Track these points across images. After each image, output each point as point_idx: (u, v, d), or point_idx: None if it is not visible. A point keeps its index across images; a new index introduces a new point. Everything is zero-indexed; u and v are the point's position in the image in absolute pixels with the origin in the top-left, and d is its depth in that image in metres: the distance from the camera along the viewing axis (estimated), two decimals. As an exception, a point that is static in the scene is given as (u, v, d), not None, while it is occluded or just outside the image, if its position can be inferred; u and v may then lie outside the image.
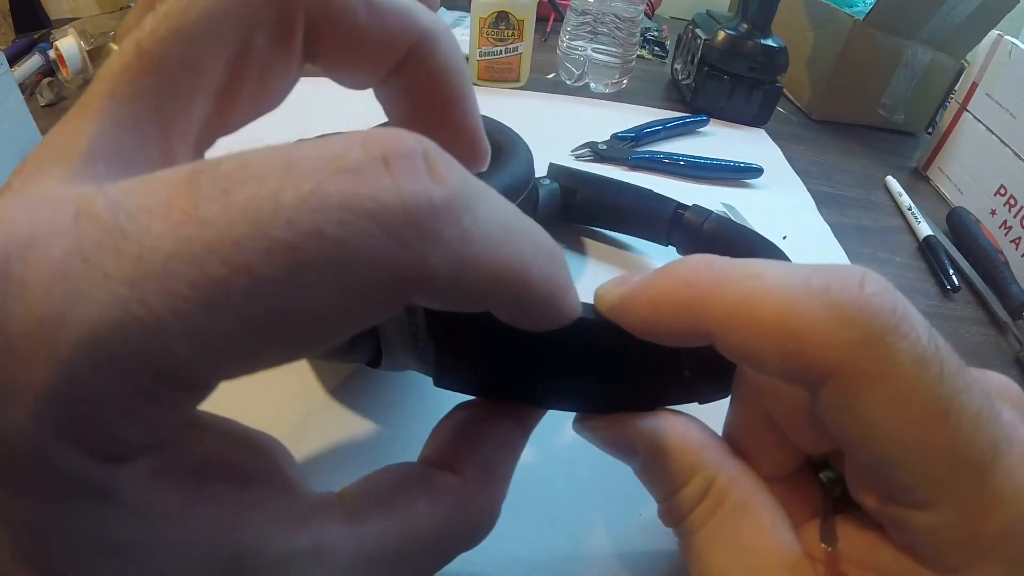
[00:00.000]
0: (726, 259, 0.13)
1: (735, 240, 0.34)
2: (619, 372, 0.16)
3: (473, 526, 0.14)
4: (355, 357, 0.19)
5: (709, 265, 0.13)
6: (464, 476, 0.14)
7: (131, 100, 0.11)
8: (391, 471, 0.14)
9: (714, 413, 0.18)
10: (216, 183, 0.08)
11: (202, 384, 0.09)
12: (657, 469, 0.16)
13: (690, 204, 0.35)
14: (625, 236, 0.39)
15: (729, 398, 0.18)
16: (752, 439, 0.17)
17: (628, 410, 0.17)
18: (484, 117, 0.29)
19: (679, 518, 0.16)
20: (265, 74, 0.13)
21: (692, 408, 0.17)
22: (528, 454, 0.25)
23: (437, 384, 0.16)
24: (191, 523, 0.10)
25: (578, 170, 0.38)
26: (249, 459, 0.12)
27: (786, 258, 0.31)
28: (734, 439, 0.17)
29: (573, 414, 0.18)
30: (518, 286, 0.10)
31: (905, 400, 0.11)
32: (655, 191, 0.37)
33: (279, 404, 0.25)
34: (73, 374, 0.07)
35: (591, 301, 0.15)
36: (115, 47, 0.15)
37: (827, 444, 0.15)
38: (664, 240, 0.37)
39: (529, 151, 0.30)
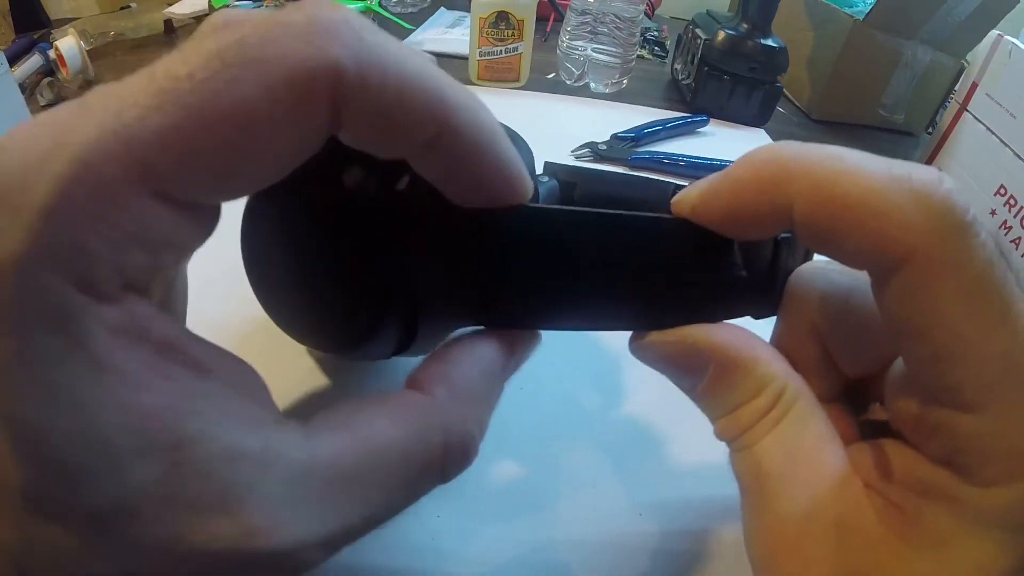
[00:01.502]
0: (803, 143, 0.14)
1: None
2: (663, 275, 0.15)
3: (442, 446, 0.14)
4: (380, 349, 0.18)
5: (788, 144, 0.14)
6: (431, 394, 0.14)
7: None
8: (357, 397, 0.14)
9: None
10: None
11: (168, 193, 0.10)
12: (726, 383, 0.16)
13: (687, 183, 0.35)
14: None
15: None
16: (797, 359, 0.16)
17: (650, 326, 0.16)
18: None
19: (740, 430, 0.16)
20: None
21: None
22: (528, 454, 0.26)
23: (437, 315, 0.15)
24: (142, 395, 0.10)
25: (573, 166, 0.38)
26: (215, 360, 0.12)
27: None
28: None
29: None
30: (437, 106, 0.11)
31: (973, 294, 0.12)
32: (651, 177, 0.37)
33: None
34: (64, 187, 0.09)
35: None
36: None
37: (870, 364, 0.16)
38: None
39: (529, 150, 0.30)
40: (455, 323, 0.16)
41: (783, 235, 0.17)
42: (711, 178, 0.14)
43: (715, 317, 0.16)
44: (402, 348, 0.17)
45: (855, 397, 0.17)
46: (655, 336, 0.16)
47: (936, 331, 0.12)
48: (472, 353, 0.15)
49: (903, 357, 0.14)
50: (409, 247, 0.15)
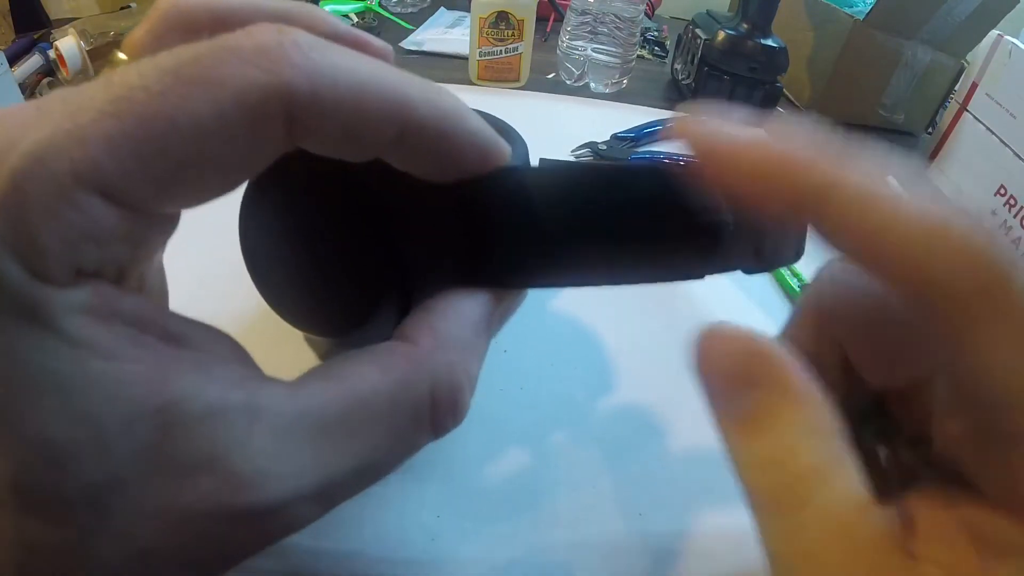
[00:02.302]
0: (839, 152, 0.12)
1: None
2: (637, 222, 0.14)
3: (429, 394, 0.13)
4: (378, 330, 0.18)
5: (825, 153, 0.12)
6: (417, 343, 0.14)
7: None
8: (344, 352, 0.14)
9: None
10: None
11: (115, 195, 0.10)
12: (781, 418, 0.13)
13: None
14: None
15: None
16: (813, 363, 0.14)
17: (635, 280, 0.15)
18: (479, 112, 0.29)
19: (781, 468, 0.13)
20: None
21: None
22: (528, 454, 0.26)
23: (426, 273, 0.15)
24: (122, 365, 0.10)
25: (569, 160, 0.38)
26: (190, 331, 0.12)
27: None
28: None
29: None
30: (394, 107, 0.12)
31: (1016, 344, 0.11)
32: (644, 159, 0.36)
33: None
34: (17, 181, 0.09)
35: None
36: (122, 56, 0.15)
37: (894, 376, 0.15)
38: None
39: (524, 144, 0.30)
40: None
41: None
42: (727, 138, 0.13)
43: (704, 269, 0.16)
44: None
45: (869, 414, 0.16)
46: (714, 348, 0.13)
47: (988, 380, 0.11)
48: (457, 304, 0.15)
49: (945, 388, 0.13)
50: (397, 223, 0.15)
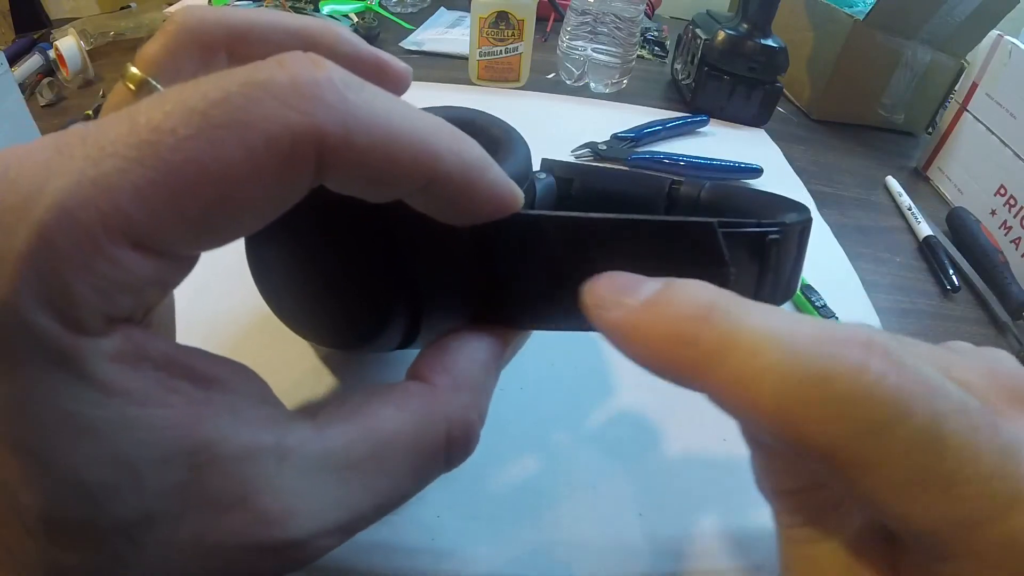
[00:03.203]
0: (725, 313, 0.12)
1: (734, 203, 0.33)
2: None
3: (445, 434, 0.14)
4: (385, 344, 0.18)
5: (707, 321, 0.12)
6: (433, 383, 0.14)
7: None
8: (362, 388, 0.14)
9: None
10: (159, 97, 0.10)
11: (146, 244, 0.10)
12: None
13: (682, 179, 0.35)
14: None
15: None
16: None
17: None
18: (479, 113, 0.29)
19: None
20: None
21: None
22: (528, 455, 0.26)
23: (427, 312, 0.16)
24: (153, 410, 0.10)
25: (570, 162, 0.38)
26: (217, 369, 0.12)
27: (790, 206, 0.27)
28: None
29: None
30: (424, 159, 0.12)
31: (905, 482, 0.11)
32: (647, 172, 0.37)
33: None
34: (45, 234, 0.09)
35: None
36: (135, 70, 0.15)
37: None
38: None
39: (526, 145, 0.30)
40: (456, 319, 0.17)
41: (772, 236, 0.17)
42: (631, 308, 0.13)
43: None
44: (406, 342, 0.18)
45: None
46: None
47: (882, 515, 0.12)
48: (469, 345, 0.15)
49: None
50: (410, 249, 0.15)
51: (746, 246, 0.16)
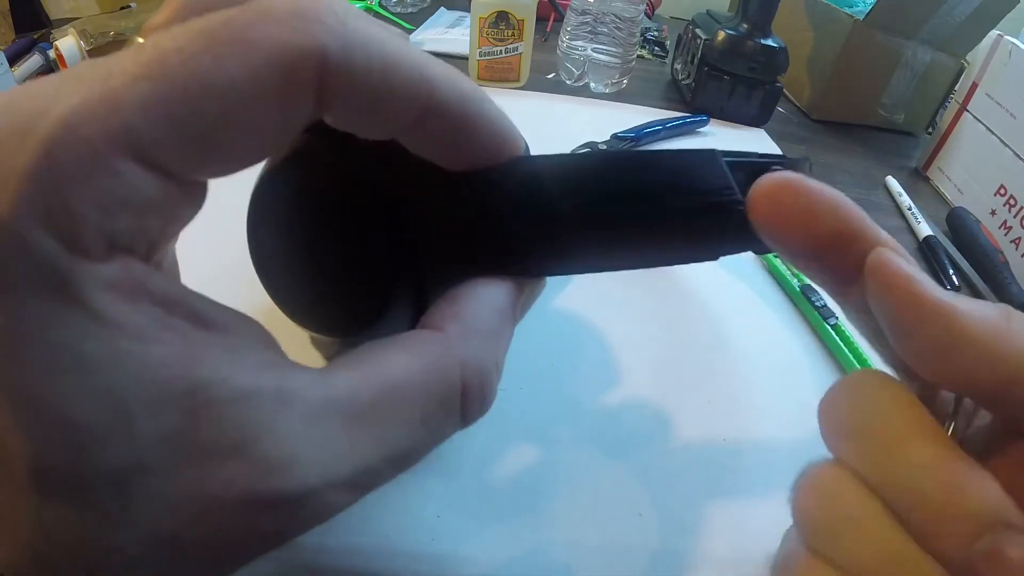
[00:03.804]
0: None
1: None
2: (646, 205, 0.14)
3: (459, 381, 0.13)
4: (392, 328, 0.18)
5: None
6: (445, 330, 0.14)
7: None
8: (371, 340, 0.13)
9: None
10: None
11: (152, 160, 0.10)
12: None
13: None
14: None
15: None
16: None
17: (651, 263, 0.15)
18: None
19: None
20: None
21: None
22: (528, 454, 0.26)
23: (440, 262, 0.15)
24: (150, 346, 0.10)
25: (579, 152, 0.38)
26: (218, 313, 0.12)
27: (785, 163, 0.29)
28: None
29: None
30: (421, 84, 0.12)
31: None
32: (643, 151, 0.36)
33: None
34: (50, 150, 0.09)
35: None
36: (141, 41, 0.15)
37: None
38: None
39: (525, 143, 0.30)
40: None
41: (776, 166, 0.17)
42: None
43: (718, 250, 0.16)
44: (414, 324, 0.17)
45: None
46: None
47: None
48: (481, 291, 0.15)
49: None
50: (410, 218, 0.15)
51: (751, 176, 0.16)
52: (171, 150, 0.10)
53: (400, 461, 0.13)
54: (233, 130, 0.10)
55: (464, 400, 0.13)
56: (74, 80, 0.10)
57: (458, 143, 0.13)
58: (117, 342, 0.10)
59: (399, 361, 0.13)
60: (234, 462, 0.10)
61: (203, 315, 0.11)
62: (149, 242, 0.11)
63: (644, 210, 0.15)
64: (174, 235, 0.13)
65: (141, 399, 0.10)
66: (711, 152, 0.15)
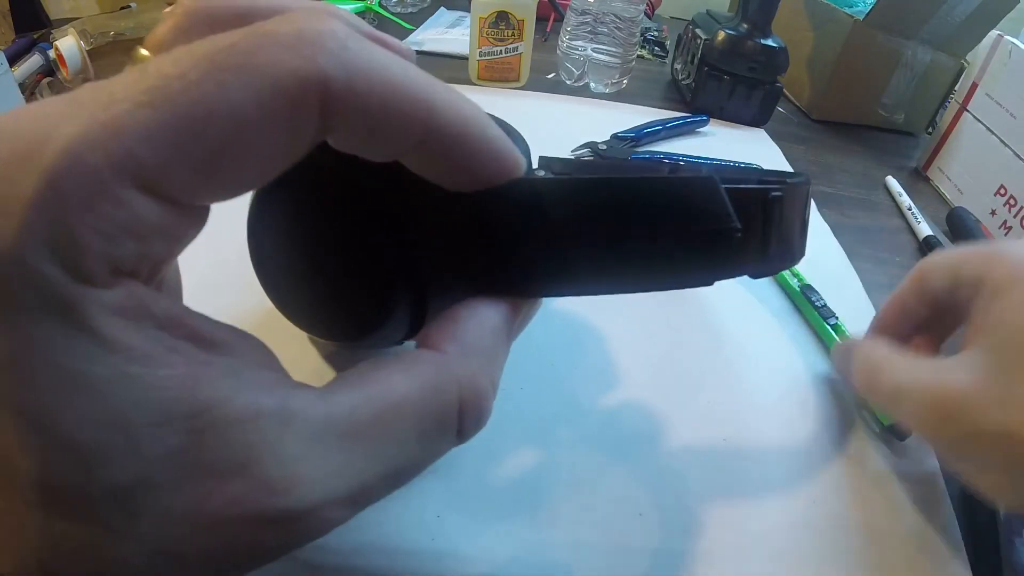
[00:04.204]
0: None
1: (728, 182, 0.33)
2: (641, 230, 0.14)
3: (456, 400, 0.14)
4: (392, 334, 0.18)
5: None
6: (443, 351, 0.14)
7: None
8: (371, 359, 0.14)
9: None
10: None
11: (153, 188, 0.10)
12: None
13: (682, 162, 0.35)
14: None
15: None
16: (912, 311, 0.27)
17: (647, 288, 0.16)
18: None
19: None
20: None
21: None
22: (528, 454, 0.26)
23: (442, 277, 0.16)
24: (153, 369, 0.10)
25: (568, 158, 0.38)
26: (221, 333, 0.12)
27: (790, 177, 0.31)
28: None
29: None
30: (421, 108, 0.12)
31: None
32: (644, 160, 0.37)
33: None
34: (53, 179, 0.09)
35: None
36: (144, 52, 0.15)
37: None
38: None
39: (526, 145, 0.30)
40: (464, 299, 0.16)
41: (774, 193, 0.17)
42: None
43: (714, 276, 0.16)
44: (413, 331, 0.17)
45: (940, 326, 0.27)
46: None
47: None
48: (479, 312, 0.15)
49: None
50: (411, 229, 0.15)
51: (749, 204, 0.16)
52: (174, 177, 0.10)
53: (396, 478, 0.13)
54: (236, 156, 0.11)
55: (461, 419, 0.14)
56: (76, 105, 0.10)
57: (459, 165, 0.13)
58: (122, 366, 0.10)
59: (398, 381, 0.13)
60: (238, 481, 0.11)
61: (206, 336, 0.11)
62: (152, 265, 0.11)
63: (642, 236, 0.15)
64: (177, 255, 0.13)
65: (147, 420, 0.10)
66: (711, 179, 0.15)
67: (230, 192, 0.11)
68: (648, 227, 0.15)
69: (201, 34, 0.15)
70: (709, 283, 0.16)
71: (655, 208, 0.15)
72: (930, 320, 0.27)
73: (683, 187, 0.15)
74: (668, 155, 0.50)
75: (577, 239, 0.14)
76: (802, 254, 0.19)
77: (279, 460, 0.11)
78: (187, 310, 0.12)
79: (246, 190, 0.12)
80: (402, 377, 0.13)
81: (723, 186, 0.15)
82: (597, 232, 0.14)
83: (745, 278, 0.18)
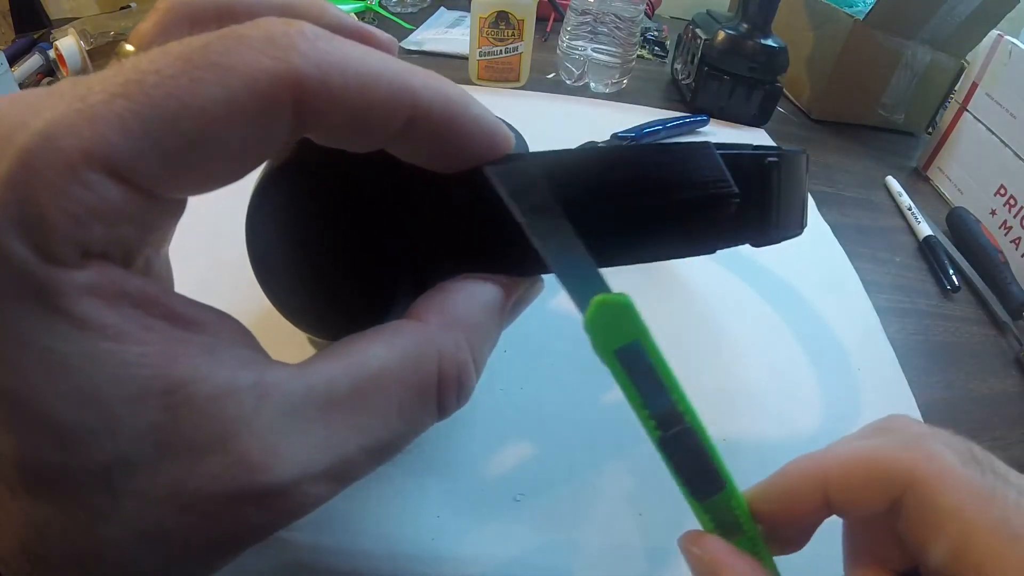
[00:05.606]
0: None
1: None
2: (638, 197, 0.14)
3: (436, 372, 0.13)
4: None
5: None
6: (425, 321, 0.14)
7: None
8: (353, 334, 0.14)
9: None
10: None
11: (125, 175, 0.10)
12: None
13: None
14: None
15: None
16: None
17: (647, 258, 0.15)
18: None
19: None
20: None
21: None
22: (528, 454, 0.26)
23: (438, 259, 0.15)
24: (128, 346, 0.10)
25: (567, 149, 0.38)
26: (197, 313, 0.12)
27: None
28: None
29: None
30: (401, 93, 0.12)
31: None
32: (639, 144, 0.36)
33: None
34: (26, 158, 0.09)
35: None
36: (129, 47, 0.15)
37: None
38: None
39: (525, 143, 0.30)
40: None
41: (771, 158, 0.17)
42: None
43: (715, 242, 0.16)
44: None
45: None
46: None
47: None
48: (468, 287, 0.15)
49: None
50: (408, 218, 0.15)
51: (746, 170, 0.16)
52: (145, 166, 0.10)
53: (378, 452, 0.13)
54: (207, 150, 0.11)
55: (440, 391, 0.14)
56: (56, 95, 0.10)
57: (447, 146, 0.13)
58: (96, 343, 0.10)
59: (376, 352, 0.13)
60: (216, 457, 0.11)
61: (182, 314, 0.11)
62: (125, 249, 0.11)
63: (639, 204, 0.15)
64: (154, 244, 0.13)
65: (122, 397, 0.10)
66: (706, 144, 0.15)
67: (202, 186, 0.11)
68: (645, 195, 0.14)
69: (182, 30, 0.15)
70: (711, 251, 0.16)
71: (652, 176, 0.14)
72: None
73: (679, 154, 0.15)
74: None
75: (573, 211, 0.14)
76: (804, 225, 0.19)
77: (257, 434, 0.11)
78: (164, 290, 0.12)
79: (218, 185, 0.12)
80: (382, 347, 0.13)
81: (719, 152, 0.15)
82: (593, 203, 0.14)
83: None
